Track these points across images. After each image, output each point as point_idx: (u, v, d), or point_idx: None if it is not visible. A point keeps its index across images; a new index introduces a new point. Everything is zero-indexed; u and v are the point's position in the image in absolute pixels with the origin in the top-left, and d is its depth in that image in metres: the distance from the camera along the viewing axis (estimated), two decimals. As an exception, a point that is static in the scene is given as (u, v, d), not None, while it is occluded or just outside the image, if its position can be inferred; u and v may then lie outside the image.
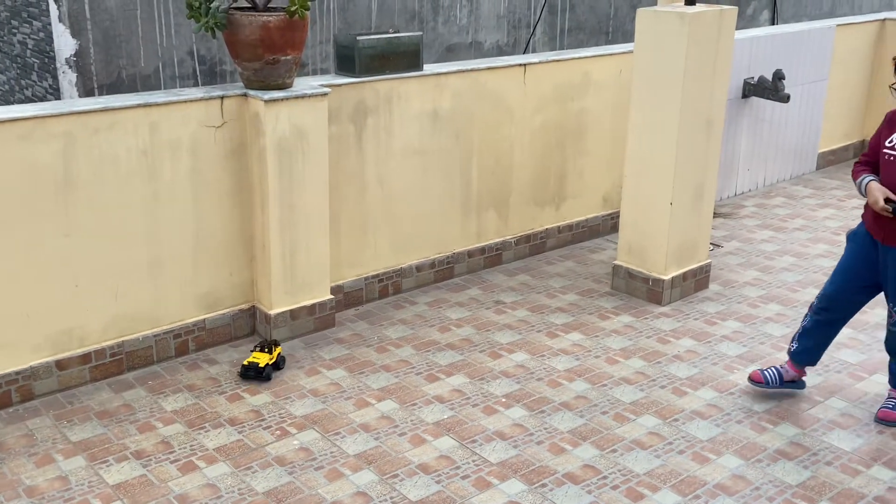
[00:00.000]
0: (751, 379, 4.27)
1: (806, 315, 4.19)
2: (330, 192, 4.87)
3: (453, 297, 5.51)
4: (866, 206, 3.89)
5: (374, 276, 5.38)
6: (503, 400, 4.29)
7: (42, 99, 6.59)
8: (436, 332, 5.02)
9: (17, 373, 4.11)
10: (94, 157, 4.13)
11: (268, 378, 4.34)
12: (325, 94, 4.67)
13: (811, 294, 5.49)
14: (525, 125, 5.92)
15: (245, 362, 4.38)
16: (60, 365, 4.23)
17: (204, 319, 4.69)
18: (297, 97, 4.55)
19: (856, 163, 4.02)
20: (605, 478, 3.67)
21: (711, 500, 3.52)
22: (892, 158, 3.77)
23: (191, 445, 3.85)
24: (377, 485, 3.60)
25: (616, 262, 5.66)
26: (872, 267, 3.92)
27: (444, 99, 5.41)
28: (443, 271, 5.72)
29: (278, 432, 3.97)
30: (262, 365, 4.34)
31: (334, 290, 5.09)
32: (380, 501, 3.49)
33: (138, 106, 4.21)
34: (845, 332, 4.60)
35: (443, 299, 5.46)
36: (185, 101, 4.37)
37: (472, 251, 5.87)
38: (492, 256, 5.99)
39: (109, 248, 4.29)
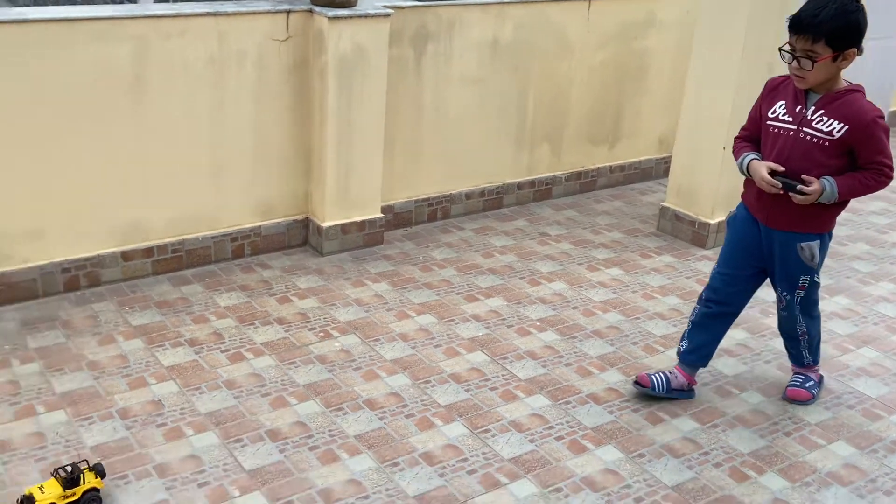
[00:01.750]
0: (637, 381, 3.84)
1: (693, 309, 3.80)
2: (386, 114, 5.01)
3: (499, 225, 5.65)
4: (746, 185, 3.54)
5: (424, 200, 5.54)
6: (537, 323, 4.45)
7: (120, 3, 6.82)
8: (479, 256, 5.18)
9: (87, 259, 4.42)
10: (165, 61, 4.34)
11: None
12: (387, 16, 4.78)
13: (847, 238, 5.48)
14: (585, 61, 5.93)
15: (27, 492, 2.89)
16: (125, 256, 4.53)
17: (259, 226, 4.93)
18: (360, 16, 4.67)
19: (735, 138, 3.58)
20: (627, 401, 3.82)
21: (728, 430, 3.65)
22: (777, 131, 3.34)
23: (240, 338, 4.12)
24: (410, 388, 3.82)
25: (664, 204, 5.70)
26: (756, 251, 3.57)
27: (505, 29, 5.46)
28: (491, 201, 5.85)
29: (322, 334, 4.21)
30: (35, 500, 2.86)
31: (385, 210, 5.27)
32: (411, 402, 3.71)
33: (208, 14, 4.39)
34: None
35: (489, 227, 5.61)
36: (253, 13, 4.53)
37: (522, 184, 5.97)
38: (541, 190, 6.09)
39: (175, 149, 4.52)
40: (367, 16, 4.70)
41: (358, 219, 5.10)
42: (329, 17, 4.57)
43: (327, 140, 4.82)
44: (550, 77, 5.81)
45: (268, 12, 4.58)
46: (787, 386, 3.92)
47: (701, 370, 3.90)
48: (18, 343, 3.95)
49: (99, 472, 2.99)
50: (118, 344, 4.00)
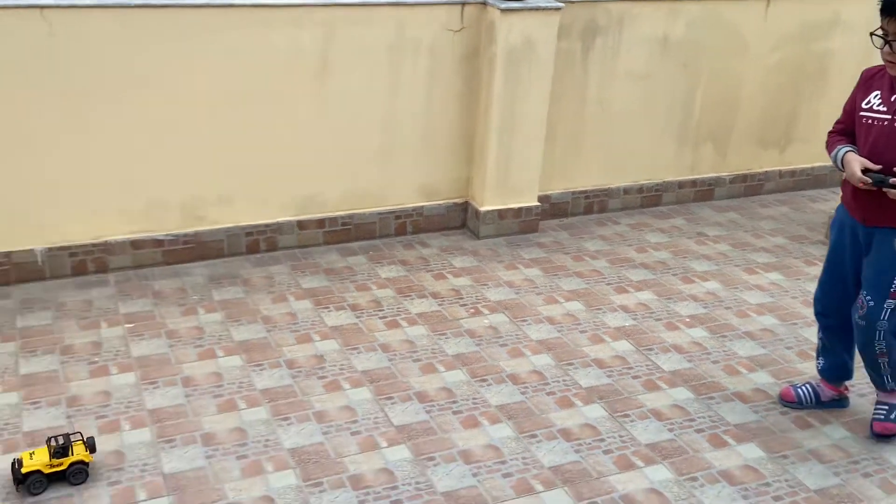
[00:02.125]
0: (781, 398, 3.75)
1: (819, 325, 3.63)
2: (550, 105, 5.14)
3: (656, 222, 5.63)
4: (844, 183, 3.32)
5: (581, 192, 5.62)
6: (686, 319, 4.43)
7: None
8: (633, 251, 5.20)
9: (267, 226, 4.86)
10: (348, 47, 4.69)
11: (37, 493, 2.96)
12: (558, 9, 4.90)
13: None
14: (760, 61, 5.79)
15: (25, 467, 2.95)
16: (301, 225, 4.94)
17: (422, 207, 5.21)
18: (531, 9, 4.82)
19: (829, 132, 3.41)
20: (774, 403, 3.75)
21: (886, 445, 3.50)
22: (870, 122, 3.15)
23: (397, 308, 4.39)
24: (552, 367, 3.94)
25: (834, 211, 5.47)
26: (851, 256, 3.34)
27: (676, 25, 5.44)
28: (650, 197, 5.84)
29: (472, 310, 4.41)
30: (24, 470, 2.94)
31: (541, 199, 5.40)
32: (552, 381, 3.84)
33: (391, 4, 4.70)
34: None
35: (645, 223, 5.60)
36: (431, 4, 4.80)
37: (683, 182, 5.92)
38: (703, 191, 6.00)
39: (352, 130, 4.87)
40: (537, 9, 4.85)
41: (515, 206, 5.26)
42: (501, 10, 4.76)
43: (491, 128, 5.02)
44: (721, 76, 5.72)
45: (445, 3, 4.83)
46: (872, 419, 3.60)
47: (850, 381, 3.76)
48: (205, 295, 4.42)
49: (90, 446, 3.05)
50: (289, 303, 4.39)
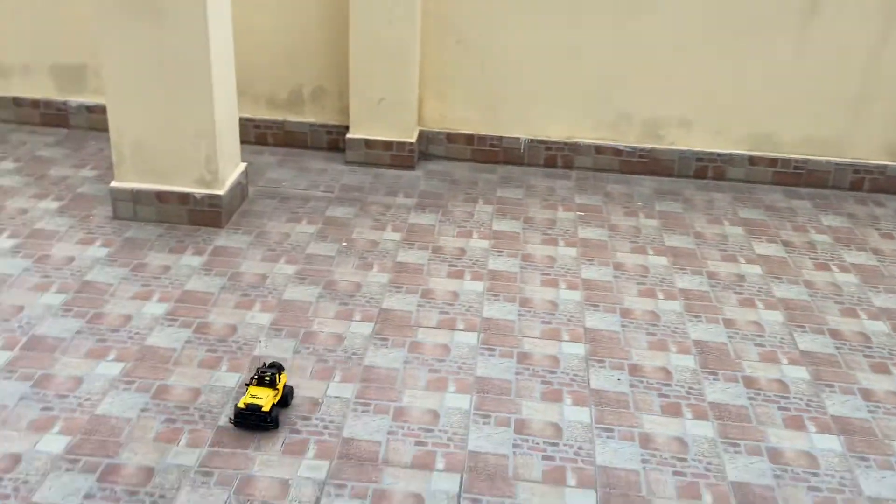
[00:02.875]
0: None
1: None
2: None
3: None
4: None
5: None
6: None
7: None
8: None
9: (718, 155, 5.13)
10: (844, -10, 4.64)
11: (275, 426, 2.97)
12: None
13: None
14: None
15: (241, 404, 2.95)
16: (752, 161, 5.10)
17: (886, 165, 4.97)
18: None
19: None
20: None
21: None
22: None
23: (831, 253, 4.39)
24: None
25: None
26: None
27: None
28: None
29: (915, 275, 4.22)
30: (265, 408, 2.94)
31: None
32: None
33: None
34: None
35: None
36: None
37: None
38: None
39: (828, 74, 4.84)
40: None
41: None
42: None
43: None
44: None
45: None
46: None
47: None
48: (648, 204, 4.89)
49: (281, 368, 3.09)
50: (722, 226, 4.65)
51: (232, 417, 2.96)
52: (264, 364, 3.10)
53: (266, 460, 2.84)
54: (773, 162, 5.07)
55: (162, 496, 2.67)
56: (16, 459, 2.79)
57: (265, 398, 2.93)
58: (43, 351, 3.32)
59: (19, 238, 4.14)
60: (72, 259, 3.98)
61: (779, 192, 5.06)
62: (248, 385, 3.02)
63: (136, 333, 3.46)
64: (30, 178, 4.77)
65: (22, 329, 3.45)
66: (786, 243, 4.48)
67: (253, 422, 2.93)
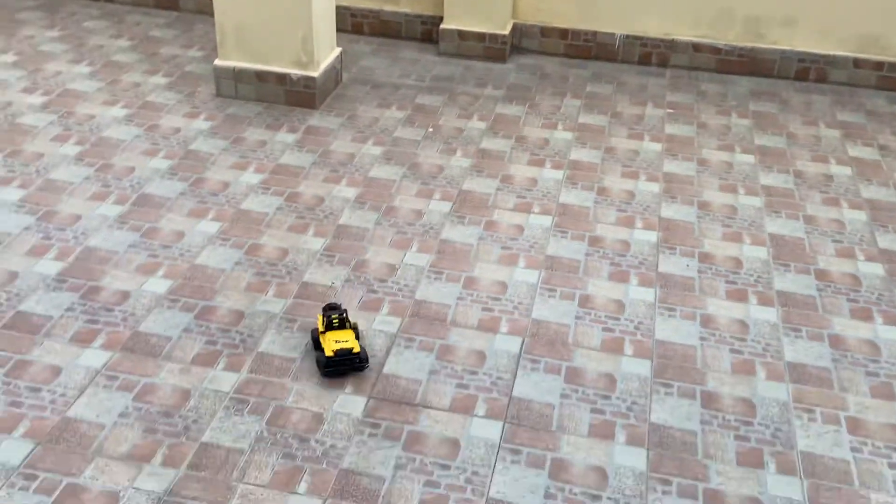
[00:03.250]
0: None
1: None
2: None
3: None
4: None
5: None
6: None
7: None
8: None
9: (821, 56, 4.94)
10: None
11: (367, 363, 2.83)
12: None
13: None
14: None
15: (329, 352, 2.77)
16: (856, 63, 4.90)
17: None
18: None
19: None
20: None
21: None
22: None
23: (930, 160, 4.25)
24: None
25: None
26: None
27: None
28: None
29: None
30: (356, 349, 2.80)
31: None
32: None
33: None
34: None
35: None
36: None
37: None
38: None
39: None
40: None
41: None
42: None
43: None
44: None
45: None
46: None
47: None
48: (741, 104, 4.79)
49: (342, 308, 2.95)
50: (818, 128, 4.53)
51: (323, 368, 2.78)
52: (327, 307, 2.92)
53: (344, 313, 3.07)
54: (878, 65, 4.85)
55: (250, 336, 2.96)
56: (125, 296, 3.12)
57: (349, 339, 2.79)
58: (150, 207, 3.64)
59: (132, 108, 4.46)
60: (178, 130, 4.27)
61: (882, 97, 4.85)
62: (322, 335, 2.85)
63: (233, 198, 3.73)
64: (143, 56, 5.08)
65: (133, 188, 3.77)
66: (882, 147, 4.34)
67: (346, 366, 2.78)
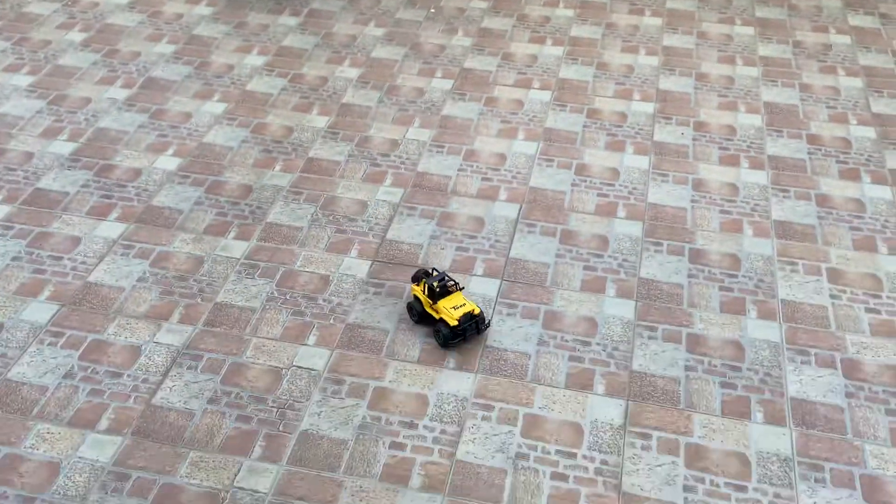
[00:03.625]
0: None
1: None
2: None
3: None
4: None
5: None
6: None
7: None
8: None
9: (829, -75, 4.83)
10: None
11: (488, 324, 2.62)
12: None
13: None
14: None
15: (452, 322, 2.55)
16: (864, -69, 4.79)
17: None
18: None
19: None
20: None
21: None
22: None
23: (933, 28, 4.22)
24: None
25: None
26: None
27: None
28: None
29: None
30: (476, 311, 2.58)
31: None
32: None
33: None
34: None
35: None
36: None
37: None
38: None
39: None
40: None
41: None
42: None
43: None
44: None
45: None
46: None
47: None
48: (839, 18, 4.54)
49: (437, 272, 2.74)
50: (828, 35, 4.48)
51: (449, 341, 2.57)
52: (419, 274, 2.68)
53: (348, 185, 3.19)
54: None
55: (259, 207, 3.09)
56: (137, 173, 3.25)
57: (466, 303, 2.60)
58: (157, 90, 3.73)
59: (134, -4, 4.50)
60: (181, 16, 4.30)
61: (891, -35, 4.78)
62: (431, 306, 2.61)
63: (238, 80, 3.80)
64: (142, -55, 5.06)
65: (139, 72, 3.85)
66: (883, 15, 4.32)
67: (472, 329, 2.58)
